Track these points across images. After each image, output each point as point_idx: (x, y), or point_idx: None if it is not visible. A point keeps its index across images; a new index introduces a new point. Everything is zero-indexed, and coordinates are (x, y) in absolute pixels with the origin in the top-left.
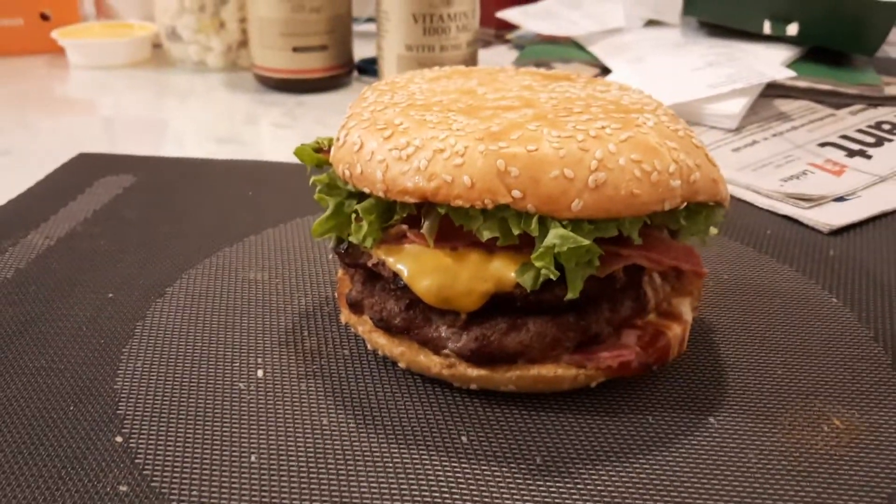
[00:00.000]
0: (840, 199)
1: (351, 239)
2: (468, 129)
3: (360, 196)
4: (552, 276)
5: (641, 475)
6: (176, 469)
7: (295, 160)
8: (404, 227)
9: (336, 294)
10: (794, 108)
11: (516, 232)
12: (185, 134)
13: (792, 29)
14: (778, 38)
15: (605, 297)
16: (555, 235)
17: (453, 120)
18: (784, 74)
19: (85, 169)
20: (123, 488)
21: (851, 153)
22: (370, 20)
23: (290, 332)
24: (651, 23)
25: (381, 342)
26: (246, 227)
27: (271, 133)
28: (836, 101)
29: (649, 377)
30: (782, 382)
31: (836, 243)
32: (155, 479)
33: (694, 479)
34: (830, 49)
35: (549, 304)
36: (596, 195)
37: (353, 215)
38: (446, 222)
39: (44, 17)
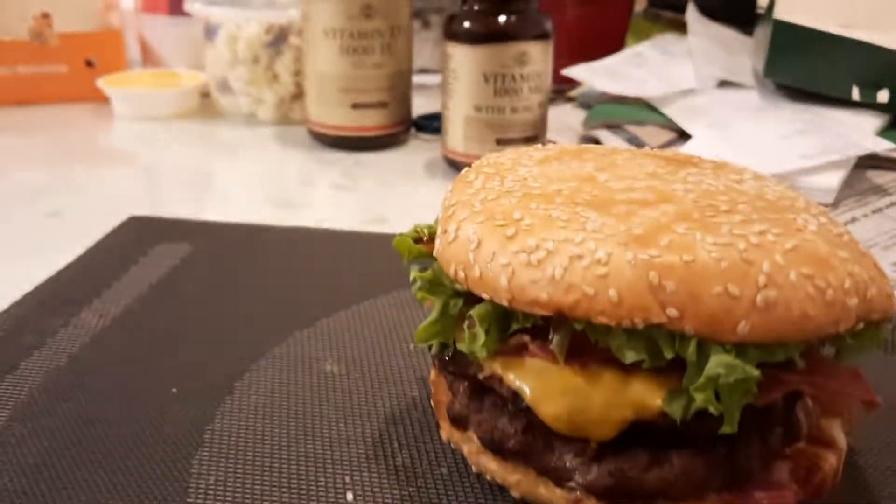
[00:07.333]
0: None
1: (460, 346)
2: (607, 231)
3: (468, 296)
4: (713, 411)
5: None
6: None
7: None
8: (525, 338)
9: (432, 402)
10: (890, 181)
11: (669, 356)
12: (237, 192)
13: (882, 96)
14: (866, 104)
15: (759, 428)
16: (718, 363)
17: (584, 217)
18: (883, 146)
19: (137, 235)
20: None
21: None
22: (422, 71)
23: (379, 444)
24: (724, 84)
25: (492, 467)
26: (315, 307)
27: (331, 196)
28: None
29: None
30: None
31: None
32: None
33: None
34: None
35: (697, 436)
36: (765, 316)
37: (467, 322)
38: (575, 335)
39: (88, 64)
